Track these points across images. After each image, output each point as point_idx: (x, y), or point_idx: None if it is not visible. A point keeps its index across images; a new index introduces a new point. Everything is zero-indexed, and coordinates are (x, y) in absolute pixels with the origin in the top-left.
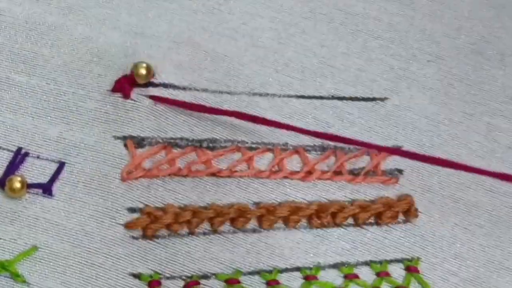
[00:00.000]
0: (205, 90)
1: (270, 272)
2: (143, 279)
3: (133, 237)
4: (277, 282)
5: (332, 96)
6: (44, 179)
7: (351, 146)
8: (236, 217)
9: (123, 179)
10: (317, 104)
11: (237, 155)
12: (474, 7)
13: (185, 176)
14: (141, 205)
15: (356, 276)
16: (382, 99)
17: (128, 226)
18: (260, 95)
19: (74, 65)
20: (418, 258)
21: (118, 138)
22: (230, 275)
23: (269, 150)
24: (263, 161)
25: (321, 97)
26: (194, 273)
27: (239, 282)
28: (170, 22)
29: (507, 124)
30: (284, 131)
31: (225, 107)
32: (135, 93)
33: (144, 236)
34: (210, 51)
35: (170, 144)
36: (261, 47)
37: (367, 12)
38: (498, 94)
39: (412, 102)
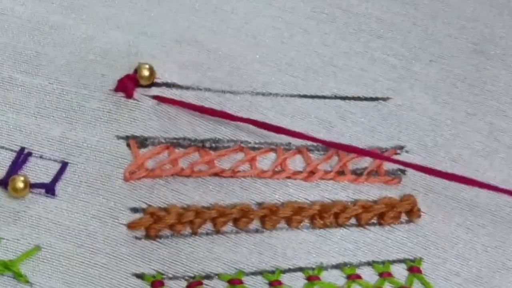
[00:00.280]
0: (208, 90)
1: (272, 272)
2: (146, 279)
3: (136, 237)
4: (279, 283)
5: (335, 96)
6: (47, 179)
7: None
8: (239, 217)
9: (126, 179)
10: (320, 104)
11: (240, 155)
12: (477, 7)
13: (188, 176)
14: (144, 205)
15: (359, 277)
16: (384, 99)
17: (131, 226)
18: (263, 94)
19: (77, 65)
20: (421, 259)
21: (121, 138)
22: (232, 276)
23: (272, 150)
24: (266, 161)
25: (323, 97)
26: (197, 274)
27: (241, 282)
28: (173, 21)
29: (510, 124)
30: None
31: (228, 106)
32: (138, 93)
33: (147, 236)
34: (213, 50)
35: (173, 144)
36: (264, 46)
37: (370, 12)
38: (501, 94)
39: (415, 102)
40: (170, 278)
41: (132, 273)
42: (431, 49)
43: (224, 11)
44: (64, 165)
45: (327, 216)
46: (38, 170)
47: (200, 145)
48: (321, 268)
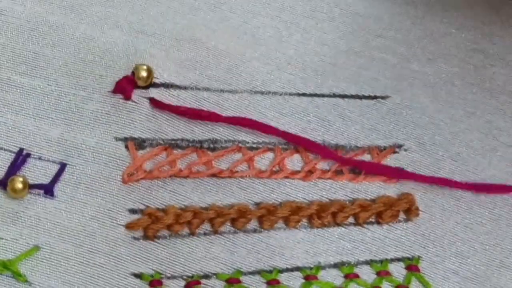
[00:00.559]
0: (206, 89)
1: (270, 272)
2: (145, 278)
3: (134, 238)
4: (277, 282)
5: (334, 94)
6: (45, 180)
7: (352, 145)
8: (237, 217)
9: (124, 182)
10: (318, 102)
11: (237, 156)
12: (475, 5)
13: (186, 177)
14: (142, 206)
15: (357, 276)
16: (383, 98)
17: (129, 226)
18: (262, 93)
19: (75, 66)
20: (419, 257)
21: (119, 139)
22: (230, 275)
23: (269, 150)
24: (264, 161)
25: (322, 95)
26: (195, 273)
27: (239, 282)
28: (172, 20)
29: (508, 123)
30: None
31: (227, 106)
32: (136, 94)
33: (145, 237)
34: (212, 48)
35: (171, 145)
36: (263, 45)
37: (369, 11)
38: (499, 92)
39: (414, 101)
40: (169, 278)
41: (131, 273)
42: (430, 48)
43: (222, 10)
44: (62, 166)
45: (325, 215)
46: (37, 171)
47: (198, 146)
48: (319, 267)
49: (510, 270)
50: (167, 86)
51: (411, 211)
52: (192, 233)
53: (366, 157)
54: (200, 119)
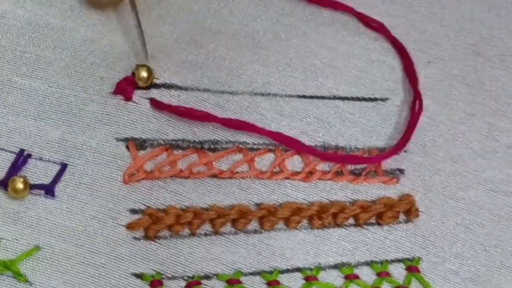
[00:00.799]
0: (207, 90)
1: (271, 272)
2: (145, 279)
3: (135, 238)
4: (277, 283)
5: (334, 96)
6: (46, 181)
7: (353, 146)
8: (237, 218)
9: (125, 182)
10: (318, 104)
11: (238, 156)
12: (474, 8)
13: (187, 177)
14: (143, 207)
15: (357, 277)
16: (383, 100)
17: (130, 227)
18: (262, 95)
19: (76, 68)
20: (419, 258)
21: (120, 140)
22: (231, 276)
23: (270, 151)
24: (265, 162)
25: (322, 97)
26: (196, 274)
27: (240, 282)
28: (172, 23)
29: (508, 124)
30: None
31: (227, 107)
32: (137, 95)
33: (146, 237)
34: (212, 51)
35: (171, 146)
36: (263, 48)
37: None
38: (499, 94)
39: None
40: (169, 278)
41: (131, 273)
42: (430, 50)
43: (222, 14)
44: (63, 166)
45: (325, 216)
46: (38, 172)
47: (199, 147)
48: (319, 268)
49: (510, 271)
50: (167, 86)
51: (411, 212)
52: (192, 234)
53: None
54: (194, 119)
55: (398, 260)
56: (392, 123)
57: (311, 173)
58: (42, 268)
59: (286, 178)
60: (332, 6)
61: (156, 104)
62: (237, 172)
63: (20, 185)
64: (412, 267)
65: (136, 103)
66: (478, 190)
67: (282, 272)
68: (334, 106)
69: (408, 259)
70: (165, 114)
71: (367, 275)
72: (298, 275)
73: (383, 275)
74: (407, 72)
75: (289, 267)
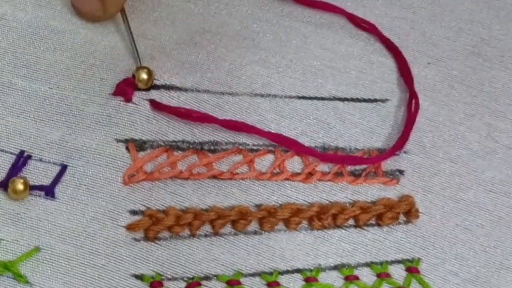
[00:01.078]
0: (206, 91)
1: (270, 273)
2: (145, 280)
3: (135, 239)
4: (277, 284)
5: (334, 97)
6: (46, 182)
7: (352, 147)
8: (237, 219)
9: (125, 183)
10: (318, 105)
11: (238, 157)
12: (474, 9)
13: (187, 178)
14: (143, 208)
15: (357, 278)
16: (383, 101)
17: (130, 228)
18: (262, 95)
19: (76, 70)
20: (419, 259)
21: (120, 141)
22: (231, 277)
23: (270, 152)
24: (264, 163)
25: (322, 98)
26: (196, 275)
27: (240, 283)
28: (171, 25)
29: (508, 125)
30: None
31: (227, 108)
32: (137, 96)
33: (146, 238)
34: (212, 52)
35: (171, 147)
36: (263, 49)
37: (367, 16)
38: (499, 95)
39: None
40: (169, 279)
41: (131, 274)
42: (429, 51)
43: (222, 15)
44: (63, 168)
45: (325, 217)
46: (38, 173)
47: (199, 148)
48: (319, 269)
49: (510, 272)
50: (167, 88)
51: (411, 213)
52: (192, 235)
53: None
54: (193, 120)
55: (398, 261)
56: (392, 124)
57: (311, 174)
58: (42, 269)
59: (286, 179)
60: (321, 8)
61: (155, 105)
62: (237, 173)
63: (20, 186)
64: (412, 268)
65: (136, 104)
66: (478, 191)
67: (282, 273)
68: (334, 107)
69: (408, 260)
70: (165, 116)
71: (367, 276)
72: (298, 276)
73: (383, 276)
74: (401, 72)
75: (289, 268)
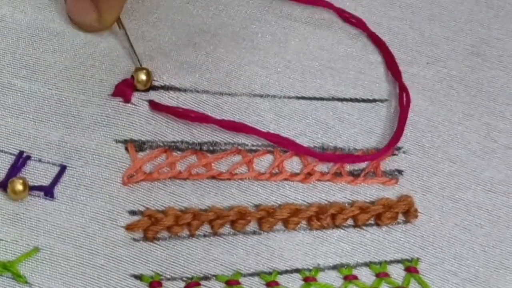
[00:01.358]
0: (205, 92)
1: (269, 273)
2: (144, 280)
3: (134, 239)
4: (276, 284)
5: (333, 98)
6: (45, 182)
7: (351, 147)
8: (236, 219)
9: (124, 183)
10: (317, 105)
11: (237, 158)
12: (473, 9)
13: (186, 179)
14: (142, 208)
15: (356, 277)
16: (382, 101)
17: (129, 228)
18: (261, 96)
19: (75, 71)
20: (418, 259)
21: (119, 141)
22: (230, 277)
23: (269, 152)
24: (263, 163)
25: (321, 99)
26: (195, 275)
27: (239, 283)
28: (170, 26)
29: (507, 125)
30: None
31: (226, 108)
32: (136, 97)
33: (145, 238)
34: (211, 52)
35: (170, 147)
36: (262, 49)
37: (366, 16)
38: (497, 95)
39: (412, 104)
40: (168, 279)
41: (131, 274)
42: (428, 51)
43: (221, 16)
44: (62, 168)
45: (324, 217)
46: (37, 173)
47: (198, 148)
48: (318, 269)
49: (509, 272)
50: (166, 88)
51: (410, 213)
52: (191, 235)
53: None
54: (191, 121)
55: (397, 261)
56: (391, 124)
57: (309, 174)
58: (41, 269)
59: (285, 179)
60: (309, 2)
61: (154, 106)
62: (236, 174)
63: (19, 187)
64: (411, 267)
65: (135, 105)
66: (476, 190)
67: (281, 273)
68: (333, 108)
69: (407, 260)
70: (164, 116)
71: (366, 276)
72: (297, 276)
73: (382, 276)
74: (388, 66)
75: (288, 268)
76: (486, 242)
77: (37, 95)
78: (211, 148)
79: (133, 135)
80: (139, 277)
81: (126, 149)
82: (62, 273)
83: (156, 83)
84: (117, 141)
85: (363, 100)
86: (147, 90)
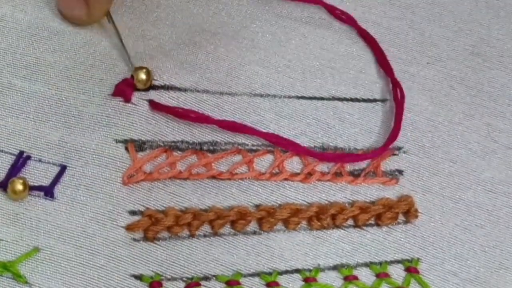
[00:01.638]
0: (206, 91)
1: (270, 274)
2: (145, 280)
3: (135, 239)
4: (276, 284)
5: (333, 97)
6: (46, 182)
7: (352, 147)
8: (237, 219)
9: (124, 183)
10: (317, 105)
11: (237, 158)
12: (473, 9)
13: (186, 179)
14: (142, 208)
15: (356, 278)
16: (382, 101)
17: (129, 228)
18: (261, 96)
19: (76, 70)
20: (418, 259)
21: (119, 141)
22: (230, 277)
23: (269, 152)
24: (264, 163)
25: (321, 98)
26: (195, 275)
27: (239, 283)
28: (170, 25)
29: (507, 125)
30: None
31: (226, 108)
32: (136, 97)
33: (145, 238)
34: (211, 52)
35: (170, 147)
36: (262, 49)
37: (366, 16)
38: (498, 95)
39: (412, 104)
40: (168, 279)
41: (131, 274)
42: (428, 51)
43: (221, 16)
44: (62, 168)
45: (324, 217)
46: (37, 173)
47: (198, 148)
48: (318, 269)
49: (509, 272)
50: (166, 88)
51: (410, 213)
52: (192, 235)
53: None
54: (191, 121)
55: (397, 261)
56: (391, 124)
57: (310, 174)
58: (41, 269)
59: (285, 179)
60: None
61: (154, 106)
62: (236, 174)
63: (19, 187)
64: (411, 268)
65: (135, 104)
66: (477, 191)
67: (281, 273)
68: (333, 107)
69: (407, 260)
70: (164, 116)
71: (366, 276)
72: (297, 276)
73: (382, 276)
74: (379, 63)
75: (288, 268)
76: (486, 242)
77: (37, 95)
78: (211, 148)
79: (133, 135)
80: (139, 277)
81: (126, 149)
82: (62, 273)
83: (156, 83)
84: (117, 141)
85: (364, 100)
86: (147, 90)
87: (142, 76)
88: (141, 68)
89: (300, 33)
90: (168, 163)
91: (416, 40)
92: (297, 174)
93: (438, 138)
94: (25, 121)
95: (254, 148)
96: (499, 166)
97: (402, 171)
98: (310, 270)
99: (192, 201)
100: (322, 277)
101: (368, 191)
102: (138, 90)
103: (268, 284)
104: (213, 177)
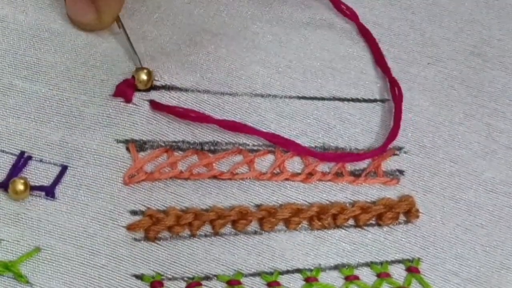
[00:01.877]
0: (206, 92)
1: (271, 273)
2: (145, 280)
3: (135, 239)
4: (278, 284)
5: (334, 97)
6: (47, 182)
7: (353, 147)
8: (237, 219)
9: (125, 183)
10: (318, 105)
11: (238, 158)
12: (474, 9)
13: (187, 179)
14: (143, 208)
15: (357, 278)
16: (383, 101)
17: (130, 228)
18: (262, 96)
19: (77, 71)
20: (419, 259)
21: (120, 141)
22: (231, 277)
23: (270, 152)
24: (265, 163)
25: (322, 98)
26: (196, 274)
27: (240, 283)
28: (171, 26)
29: (508, 125)
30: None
31: (227, 108)
32: (137, 97)
33: (146, 238)
34: (212, 52)
35: (171, 147)
36: (263, 49)
37: (367, 17)
38: (498, 95)
39: (413, 104)
40: (169, 279)
41: (132, 274)
42: (429, 52)
43: (222, 16)
44: (63, 168)
45: (325, 217)
46: (38, 174)
47: (199, 148)
48: (319, 269)
49: (510, 272)
50: (167, 88)
51: (411, 213)
52: (192, 235)
53: (366, 160)
54: (191, 120)
55: (398, 261)
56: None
57: (311, 174)
58: (42, 269)
59: (286, 179)
60: None
61: (155, 106)
62: (237, 173)
63: (20, 187)
64: (412, 268)
65: (136, 105)
66: (478, 191)
67: (282, 273)
68: (334, 107)
69: (408, 260)
70: (165, 116)
71: (367, 276)
72: (298, 276)
73: (383, 276)
74: (376, 61)
75: (289, 268)
76: (487, 242)
77: (39, 96)
78: (212, 148)
79: (134, 135)
80: (140, 277)
81: (127, 149)
82: (63, 273)
83: (157, 83)
84: (118, 141)
85: (365, 100)
86: (148, 90)
87: (143, 76)
88: (142, 68)
89: (301, 34)
90: (169, 163)
91: (417, 40)
92: (298, 174)
93: (439, 138)
94: (26, 122)
95: (255, 148)
96: (499, 166)
97: (403, 171)
98: (311, 270)
99: (193, 201)
100: (323, 277)
101: (369, 191)
102: (139, 90)
103: (269, 284)
104: (214, 177)
